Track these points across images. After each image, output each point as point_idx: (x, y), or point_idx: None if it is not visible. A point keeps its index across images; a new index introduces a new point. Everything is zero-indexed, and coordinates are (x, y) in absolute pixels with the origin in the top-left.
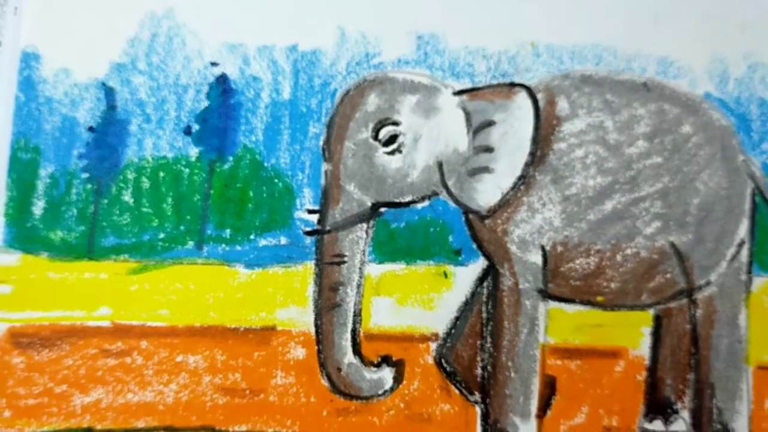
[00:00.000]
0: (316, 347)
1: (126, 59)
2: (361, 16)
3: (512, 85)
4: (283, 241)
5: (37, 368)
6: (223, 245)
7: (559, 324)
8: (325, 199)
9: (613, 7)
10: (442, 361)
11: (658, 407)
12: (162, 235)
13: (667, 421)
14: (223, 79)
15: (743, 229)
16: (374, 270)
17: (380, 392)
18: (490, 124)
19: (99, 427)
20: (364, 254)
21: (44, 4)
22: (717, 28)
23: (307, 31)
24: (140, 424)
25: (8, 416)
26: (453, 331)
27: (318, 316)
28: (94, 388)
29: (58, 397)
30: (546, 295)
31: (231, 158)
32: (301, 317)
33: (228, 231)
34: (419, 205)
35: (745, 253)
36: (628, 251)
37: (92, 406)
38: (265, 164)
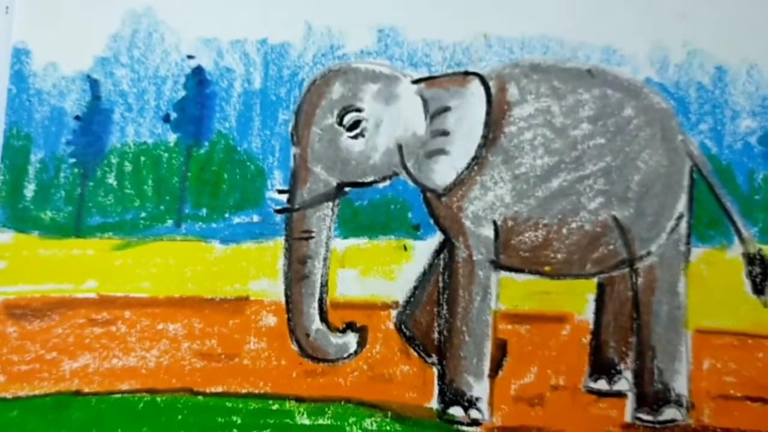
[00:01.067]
0: (286, 315)
1: (109, 53)
2: (326, 11)
3: (466, 73)
4: (256, 218)
5: (29, 337)
6: (200, 223)
7: (510, 292)
8: (294, 180)
9: (559, 0)
10: (402, 326)
11: (602, 368)
12: (143, 214)
13: (610, 381)
14: (198, 70)
15: (682, 204)
16: (339, 244)
17: (345, 356)
18: (446, 109)
19: (86, 390)
20: (330, 230)
21: (33, 3)
22: (657, 18)
23: (276, 26)
24: (124, 387)
25: (2, 381)
26: (412, 299)
27: (288, 286)
28: (82, 354)
29: (49, 363)
30: (497, 265)
31: (206, 143)
32: (272, 288)
33: (204, 210)
34: (381, 185)
35: (684, 225)
36: (574, 225)
37: (80, 371)
38: (238, 149)
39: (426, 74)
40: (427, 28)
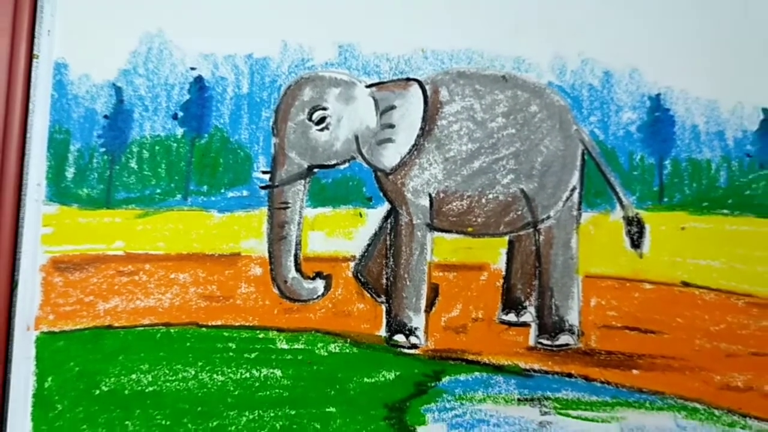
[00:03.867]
0: (269, 267)
1: (129, 66)
2: (298, 32)
3: (408, 79)
4: (245, 193)
5: (71, 285)
6: (202, 197)
7: (441, 247)
8: (274, 163)
9: (480, 21)
10: (358, 274)
11: (512, 304)
12: (158, 191)
13: (518, 314)
14: (199, 79)
15: (575, 179)
16: (310, 212)
17: (315, 297)
18: (392, 108)
19: (116, 324)
20: (302, 201)
21: (70, 27)
22: (558, 34)
23: (260, 44)
24: (145, 322)
25: (52, 319)
26: (365, 254)
27: (270, 245)
28: (112, 297)
29: (87, 305)
30: (432, 227)
31: (206, 135)
32: (258, 246)
33: (205, 187)
34: (342, 167)
35: (576, 195)
36: (490, 196)
37: (111, 310)
38: (231, 139)
39: (376, 80)
40: (377, 45)
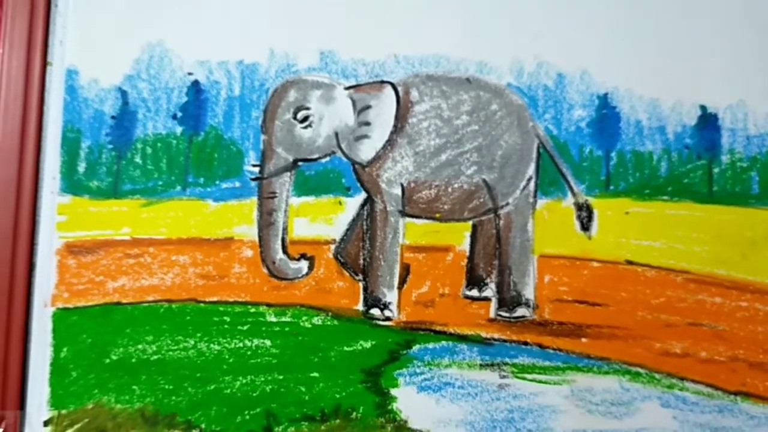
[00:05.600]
0: (259, 249)
1: (133, 72)
2: (284, 40)
3: (382, 82)
4: (237, 184)
5: (84, 266)
6: (199, 188)
7: (412, 231)
8: (263, 158)
9: (447, 30)
10: (338, 256)
11: (474, 281)
12: (160, 183)
13: (480, 290)
14: (196, 83)
15: (531, 170)
16: (295, 201)
17: (300, 276)
18: (368, 107)
19: (124, 301)
20: (288, 191)
21: (80, 37)
22: (517, 39)
23: (250, 51)
24: (150, 298)
25: (67, 296)
26: (345, 237)
27: (259, 230)
28: (120, 277)
29: (98, 284)
30: (403, 213)
31: (203, 133)
32: (249, 231)
33: (202, 179)
34: (323, 160)
35: (532, 184)
36: (456, 185)
37: (119, 288)
38: (225, 137)
39: (354, 83)
40: (355, 51)
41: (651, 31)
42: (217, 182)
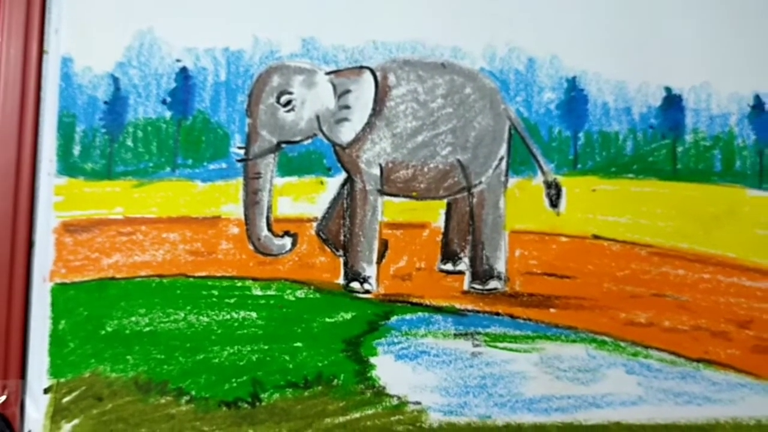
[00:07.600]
0: (245, 227)
1: (125, 59)
2: (267, 28)
3: (361, 67)
4: (224, 165)
5: (80, 244)
6: (188, 169)
7: (390, 209)
8: (248, 140)
9: (422, 17)
10: (320, 232)
11: (449, 256)
12: (151, 164)
13: (454, 264)
14: (184, 69)
15: (503, 150)
16: (279, 181)
17: (284, 252)
18: (348, 91)
19: (118, 276)
20: (272, 172)
21: (74, 26)
22: (489, 26)
23: (235, 39)
24: (142, 273)
25: (64, 272)
26: (326, 215)
27: (245, 209)
28: (114, 254)
29: (93, 260)
30: (382, 192)
31: (191, 117)
32: (236, 210)
33: (190, 160)
34: (305, 142)
35: (504, 164)
36: (431, 165)
37: (113, 264)
38: (212, 120)
39: (334, 68)
40: (335, 38)
41: (618, 16)
42: (205, 164)
